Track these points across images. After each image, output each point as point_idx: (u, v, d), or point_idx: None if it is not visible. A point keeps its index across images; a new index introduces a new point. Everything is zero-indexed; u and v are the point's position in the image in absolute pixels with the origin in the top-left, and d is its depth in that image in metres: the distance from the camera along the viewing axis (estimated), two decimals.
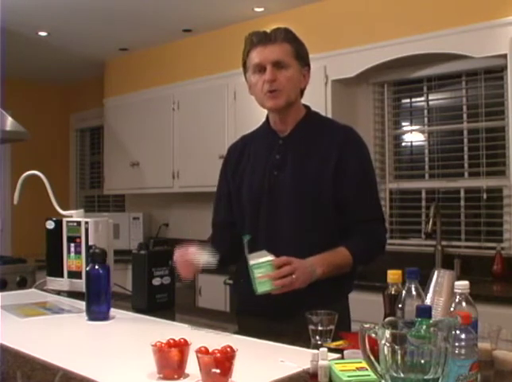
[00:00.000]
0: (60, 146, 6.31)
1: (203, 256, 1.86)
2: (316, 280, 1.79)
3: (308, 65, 1.99)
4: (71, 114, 6.37)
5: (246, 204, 2.00)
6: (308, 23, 3.92)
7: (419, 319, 1.12)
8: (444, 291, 1.39)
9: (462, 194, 3.62)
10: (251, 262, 1.72)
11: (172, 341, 1.30)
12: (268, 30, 1.94)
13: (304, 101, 2.05)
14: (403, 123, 4.02)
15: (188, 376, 1.27)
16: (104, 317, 1.90)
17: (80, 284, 2.25)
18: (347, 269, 1.88)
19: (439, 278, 1.42)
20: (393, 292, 1.46)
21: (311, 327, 1.55)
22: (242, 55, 1.98)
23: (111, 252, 2.30)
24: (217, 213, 2.15)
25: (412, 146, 3.99)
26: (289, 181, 1.93)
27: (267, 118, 2.06)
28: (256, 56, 1.91)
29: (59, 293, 2.39)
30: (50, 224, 2.44)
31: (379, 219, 1.98)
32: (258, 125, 2.14)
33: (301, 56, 1.95)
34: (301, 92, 2.00)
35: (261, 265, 1.71)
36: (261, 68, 1.90)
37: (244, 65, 1.99)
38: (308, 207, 1.91)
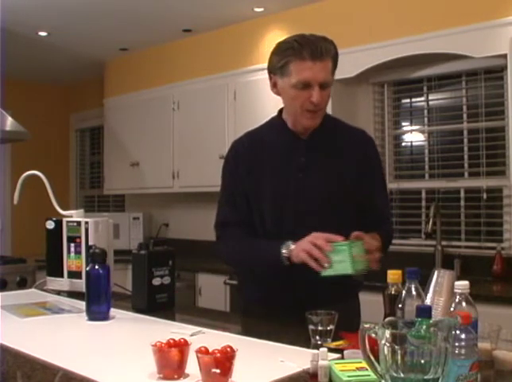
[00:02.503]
0: (60, 146, 6.31)
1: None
2: (329, 280, 1.80)
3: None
4: (71, 114, 6.37)
5: (269, 206, 1.94)
6: (308, 23, 3.92)
7: (419, 319, 1.12)
8: (444, 291, 1.39)
9: (462, 194, 3.62)
10: (342, 242, 1.70)
11: (172, 341, 1.30)
12: (314, 39, 1.83)
13: None
14: (403, 123, 4.02)
15: (188, 376, 1.27)
16: (104, 317, 1.90)
17: (80, 284, 2.25)
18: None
19: (439, 278, 1.42)
20: (393, 292, 1.46)
21: (311, 327, 1.55)
22: (277, 56, 1.88)
23: (111, 252, 2.29)
24: (233, 212, 2.01)
25: (412, 146, 3.99)
26: (317, 183, 1.92)
27: (280, 115, 2.01)
28: (305, 73, 1.81)
29: (59, 293, 2.38)
30: (50, 224, 2.44)
31: (390, 217, 2.09)
32: (264, 121, 2.09)
33: (335, 68, 1.90)
34: None
35: (355, 244, 1.71)
36: (304, 85, 1.83)
37: (274, 66, 1.89)
38: (334, 208, 1.91)
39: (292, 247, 1.79)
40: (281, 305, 1.90)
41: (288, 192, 1.93)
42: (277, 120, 2.02)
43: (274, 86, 1.93)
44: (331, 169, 1.93)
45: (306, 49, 1.81)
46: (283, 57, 1.85)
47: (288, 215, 1.92)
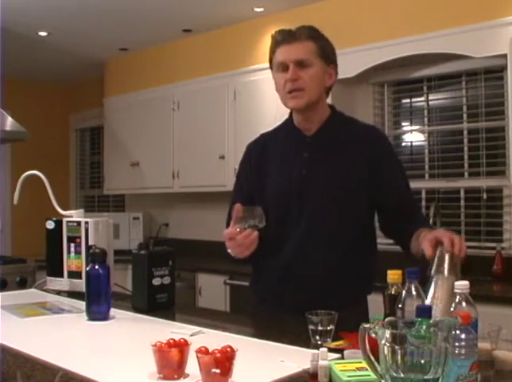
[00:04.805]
0: (60, 146, 6.31)
1: (252, 218, 1.77)
2: (334, 277, 1.84)
3: (335, 63, 1.96)
4: (71, 114, 6.37)
5: (272, 203, 1.94)
6: (308, 23, 3.89)
7: (419, 319, 1.12)
8: (443, 295, 1.38)
9: (462, 194, 3.62)
10: None
11: (172, 341, 1.30)
12: (293, 28, 1.93)
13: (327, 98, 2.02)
14: (403, 123, 4.02)
15: (188, 376, 1.27)
16: (104, 317, 1.90)
17: (80, 284, 2.25)
18: None
19: (438, 283, 1.42)
20: (393, 292, 1.46)
21: (311, 327, 1.55)
22: (269, 53, 1.97)
23: (111, 252, 2.29)
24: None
25: (412, 146, 3.99)
26: (320, 179, 1.90)
27: (291, 116, 2.02)
28: (279, 55, 1.90)
29: (59, 293, 2.38)
30: (50, 224, 2.44)
31: (420, 206, 2.01)
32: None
33: (326, 55, 1.92)
34: (327, 92, 1.98)
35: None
36: (284, 67, 1.89)
37: (270, 63, 1.97)
38: (339, 206, 1.89)
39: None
40: (291, 306, 1.87)
41: (291, 189, 1.92)
42: (287, 120, 2.03)
43: (275, 85, 1.96)
44: (336, 165, 1.91)
45: (280, 36, 1.91)
46: (270, 52, 1.95)
47: (293, 212, 1.91)
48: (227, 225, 1.99)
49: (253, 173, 2.02)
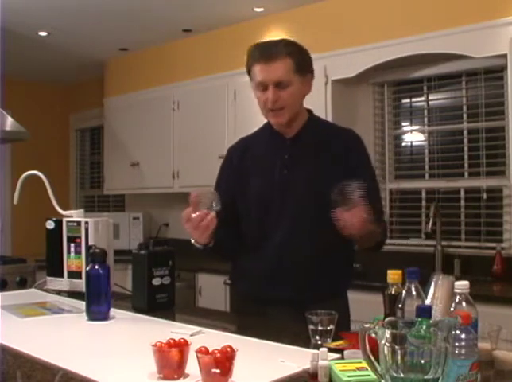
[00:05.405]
0: (60, 146, 6.31)
1: (208, 202, 1.83)
2: (314, 275, 1.91)
3: (311, 72, 2.02)
4: (71, 114, 6.37)
5: (254, 204, 2.02)
6: (308, 23, 3.92)
7: (419, 319, 1.12)
8: (443, 295, 1.38)
9: (462, 194, 3.62)
10: None
11: (172, 341, 1.30)
12: (270, 43, 1.98)
13: (304, 101, 2.06)
14: (403, 123, 4.02)
15: (188, 376, 1.27)
16: (104, 317, 1.90)
17: (80, 284, 2.25)
18: (373, 241, 1.93)
19: (437, 283, 1.42)
20: (393, 292, 1.45)
21: (311, 327, 1.55)
22: (246, 66, 2.01)
23: (111, 252, 2.29)
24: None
25: (412, 146, 3.99)
26: (300, 179, 1.97)
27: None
28: (258, 75, 1.94)
29: (59, 293, 2.38)
30: (50, 224, 2.44)
31: (383, 213, 2.10)
32: (258, 127, 2.15)
33: (303, 68, 1.97)
34: (304, 96, 2.03)
35: None
36: (264, 87, 1.94)
37: (249, 74, 2.02)
38: (320, 205, 1.92)
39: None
40: (270, 303, 1.95)
41: (273, 190, 1.98)
42: (267, 124, 2.10)
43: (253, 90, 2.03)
44: (316, 166, 1.98)
45: (259, 53, 1.95)
46: (247, 64, 2.00)
47: (274, 212, 1.97)
48: None
49: (234, 176, 2.09)
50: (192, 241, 1.93)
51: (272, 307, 1.94)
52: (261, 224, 1.99)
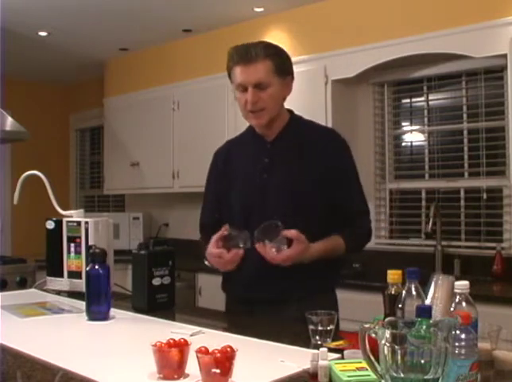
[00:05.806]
0: (60, 146, 6.31)
1: (240, 240, 1.89)
2: (299, 275, 1.91)
3: (291, 74, 2.03)
4: (71, 114, 6.37)
5: (237, 206, 2.05)
6: (308, 23, 3.93)
7: (419, 319, 1.12)
8: (443, 295, 1.38)
9: (462, 194, 3.62)
10: None
11: (172, 341, 1.30)
12: (249, 45, 1.99)
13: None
14: (403, 123, 4.02)
15: (188, 376, 1.27)
16: (104, 317, 1.90)
17: (80, 284, 2.25)
18: (340, 252, 1.99)
19: (438, 283, 1.42)
20: (393, 292, 1.45)
21: (311, 327, 1.55)
22: (226, 68, 2.05)
23: (111, 252, 2.29)
24: (205, 215, 2.28)
25: (412, 146, 3.99)
26: (279, 183, 1.99)
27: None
28: (238, 77, 1.97)
29: (59, 293, 2.38)
30: (50, 224, 2.44)
31: (366, 212, 2.09)
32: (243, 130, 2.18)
33: (282, 70, 1.99)
34: (284, 98, 2.05)
35: None
36: (243, 88, 1.97)
37: (229, 76, 2.06)
38: (300, 207, 1.96)
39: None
40: (258, 302, 1.97)
41: (254, 193, 2.01)
42: (249, 127, 2.12)
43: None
44: (296, 168, 1.99)
45: (238, 55, 1.98)
46: (227, 66, 2.04)
47: (255, 214, 1.99)
48: (201, 229, 2.29)
49: (220, 179, 2.13)
50: (206, 262, 2.01)
51: (259, 307, 1.96)
52: (245, 227, 1.98)
